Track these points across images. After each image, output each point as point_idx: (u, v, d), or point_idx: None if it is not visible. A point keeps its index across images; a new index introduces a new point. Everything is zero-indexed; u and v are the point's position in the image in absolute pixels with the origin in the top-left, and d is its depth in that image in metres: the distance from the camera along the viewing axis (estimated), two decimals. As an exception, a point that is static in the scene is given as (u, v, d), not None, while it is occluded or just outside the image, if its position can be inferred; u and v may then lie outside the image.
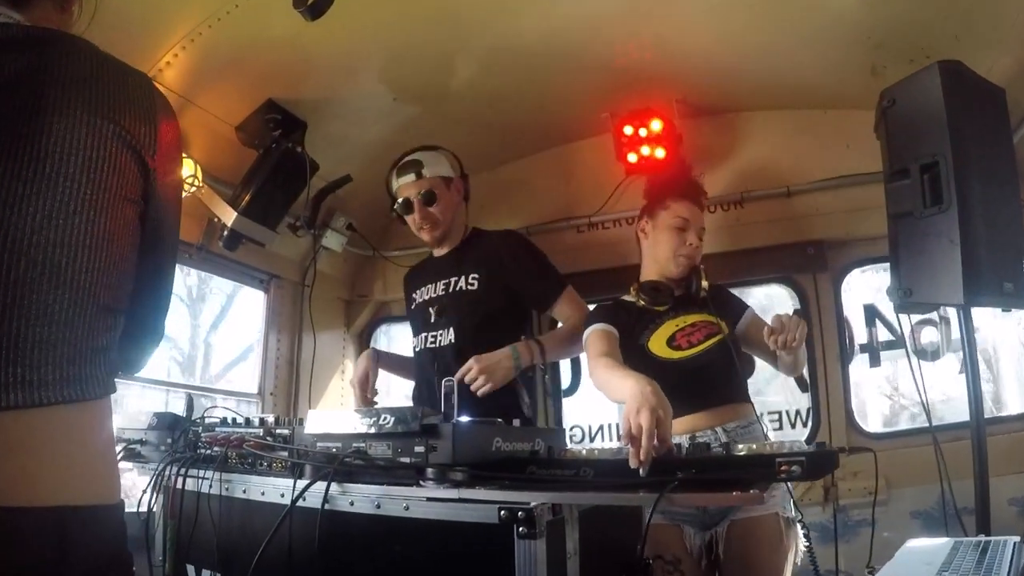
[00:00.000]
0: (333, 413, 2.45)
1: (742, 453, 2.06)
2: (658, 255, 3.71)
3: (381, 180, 3.95)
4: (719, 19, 3.99)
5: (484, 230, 4.14)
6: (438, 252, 4.09)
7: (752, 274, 4.88)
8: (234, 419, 3.06)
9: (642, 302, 3.62)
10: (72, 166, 1.68)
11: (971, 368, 3.24)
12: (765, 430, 3.53)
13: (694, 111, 4.79)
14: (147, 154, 1.83)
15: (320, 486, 2.24)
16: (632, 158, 4.72)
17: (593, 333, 3.49)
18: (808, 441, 4.12)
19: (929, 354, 4.19)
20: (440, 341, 3.86)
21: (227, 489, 2.67)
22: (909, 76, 3.20)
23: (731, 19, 3.97)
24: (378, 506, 2.16)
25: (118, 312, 1.83)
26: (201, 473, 2.75)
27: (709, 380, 3.38)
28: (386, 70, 4.26)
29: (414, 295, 4.12)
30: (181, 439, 3.02)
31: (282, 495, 2.40)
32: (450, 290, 3.92)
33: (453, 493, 2.02)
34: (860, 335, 4.61)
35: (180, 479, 2.80)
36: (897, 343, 4.42)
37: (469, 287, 3.86)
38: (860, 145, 4.22)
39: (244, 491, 2.61)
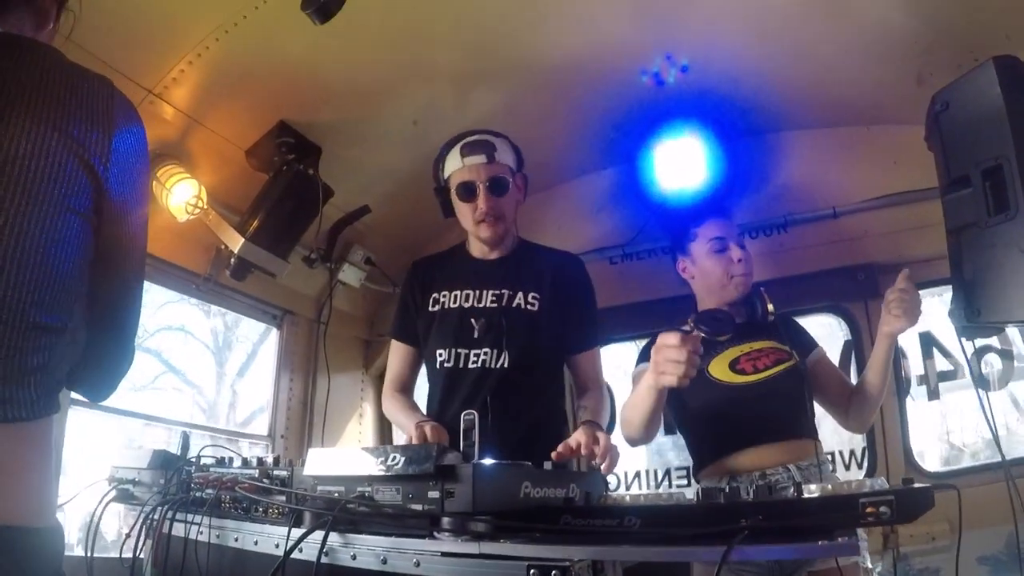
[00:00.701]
0: (336, 452, 2.18)
1: (816, 494, 1.73)
2: (711, 286, 3.48)
3: (401, 212, 3.73)
4: (755, 37, 3.82)
5: (537, 244, 3.70)
6: (482, 253, 3.57)
7: (799, 303, 4.49)
8: (230, 459, 2.81)
9: (701, 334, 3.30)
10: (5, 176, 1.63)
11: None
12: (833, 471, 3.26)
13: (731, 132, 4.51)
14: (98, 163, 1.77)
15: (318, 536, 1.94)
16: (668, 183, 4.41)
17: (643, 371, 3.07)
18: None
19: (993, 383, 4.00)
20: (487, 362, 3.35)
21: (218, 536, 2.44)
22: (961, 76, 2.93)
23: (767, 37, 3.81)
24: (384, 561, 1.88)
25: (56, 331, 1.73)
26: (191, 517, 2.51)
27: (778, 410, 3.13)
28: (406, 91, 4.03)
29: (438, 295, 3.55)
30: (173, 479, 2.79)
31: (276, 545, 2.14)
32: (502, 304, 3.42)
33: (473, 547, 1.74)
34: (916, 366, 4.36)
35: (168, 523, 2.56)
36: (954, 374, 4.23)
37: (529, 307, 3.40)
38: (908, 161, 4.08)
39: (236, 539, 2.38)
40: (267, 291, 4.49)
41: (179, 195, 3.68)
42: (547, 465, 2.11)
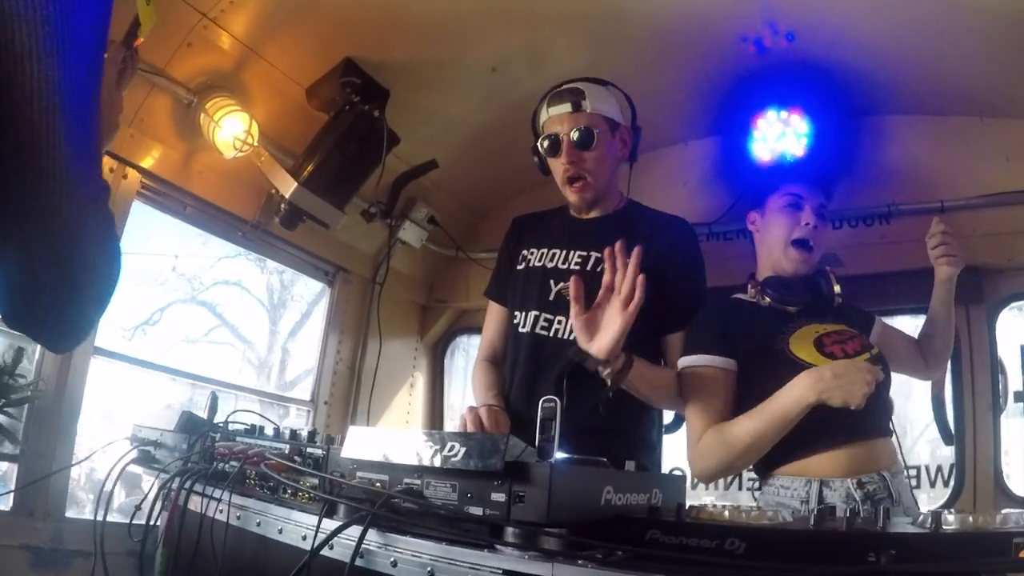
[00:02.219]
0: (381, 432, 1.82)
1: (957, 528, 1.40)
2: (771, 246, 3.08)
3: (471, 169, 3.39)
4: (868, 9, 3.52)
5: (645, 206, 3.27)
6: (578, 212, 3.21)
7: (894, 302, 4.14)
8: (261, 428, 2.51)
9: (767, 299, 2.97)
10: None
11: None
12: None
13: (836, 110, 4.17)
14: None
15: (353, 531, 1.61)
16: (764, 159, 4.11)
17: (696, 369, 2.81)
18: (949, 504, 3.83)
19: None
20: (559, 332, 3.00)
21: (239, 518, 2.14)
22: None
23: (881, 10, 3.51)
24: (431, 572, 1.53)
25: None
26: (211, 491, 2.23)
27: (871, 404, 2.61)
28: (485, 34, 3.71)
29: (527, 252, 3.24)
30: (197, 446, 2.53)
31: (304, 537, 1.84)
32: (587, 268, 3.01)
33: (544, 568, 1.38)
34: (1014, 381, 3.88)
35: (185, 496, 2.30)
36: None
37: None
38: (1021, 159, 3.86)
39: (259, 523, 2.07)
40: (320, 244, 4.25)
41: (228, 129, 3.43)
42: (629, 466, 1.82)
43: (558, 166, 3.01)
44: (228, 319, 5.37)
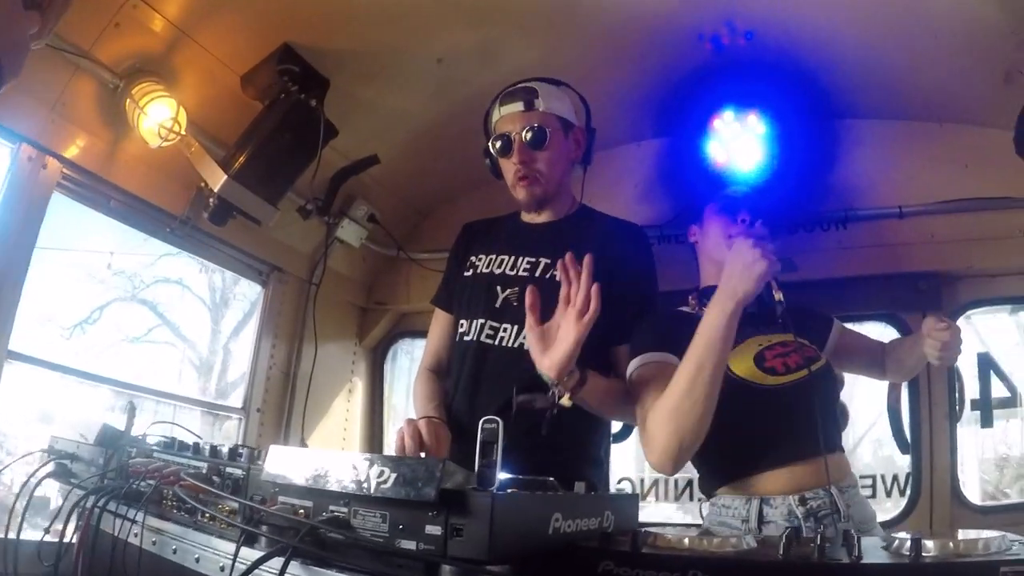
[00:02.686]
0: (304, 453, 1.64)
1: (936, 556, 1.29)
2: (710, 250, 3.08)
3: (415, 166, 3.28)
4: (829, 11, 3.50)
5: (597, 212, 3.21)
6: (530, 217, 3.15)
7: (851, 308, 4.11)
8: (179, 442, 2.33)
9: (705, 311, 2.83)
10: None
11: None
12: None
13: (794, 113, 4.10)
14: None
15: (276, 563, 1.42)
16: (718, 161, 4.01)
17: (643, 368, 2.66)
18: (905, 515, 3.91)
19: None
20: (504, 340, 2.91)
21: (154, 543, 1.95)
22: None
23: (842, 13, 3.49)
24: (359, 611, 1.35)
25: None
26: (127, 512, 2.05)
27: (817, 419, 2.53)
28: (434, 23, 3.55)
29: (475, 258, 3.15)
30: (114, 461, 2.36)
31: (222, 568, 1.67)
32: (536, 275, 2.94)
33: (484, 610, 1.23)
34: (971, 389, 4.01)
35: (98, 516, 2.10)
36: (1012, 401, 3.97)
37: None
38: (980, 166, 3.86)
39: (175, 550, 1.88)
40: (253, 242, 4.04)
41: (153, 116, 3.23)
42: (578, 487, 1.75)
43: (509, 166, 2.94)
44: (169, 318, 5.22)
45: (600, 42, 3.71)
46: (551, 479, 1.63)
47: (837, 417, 2.85)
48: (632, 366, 2.69)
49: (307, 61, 3.51)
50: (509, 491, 1.44)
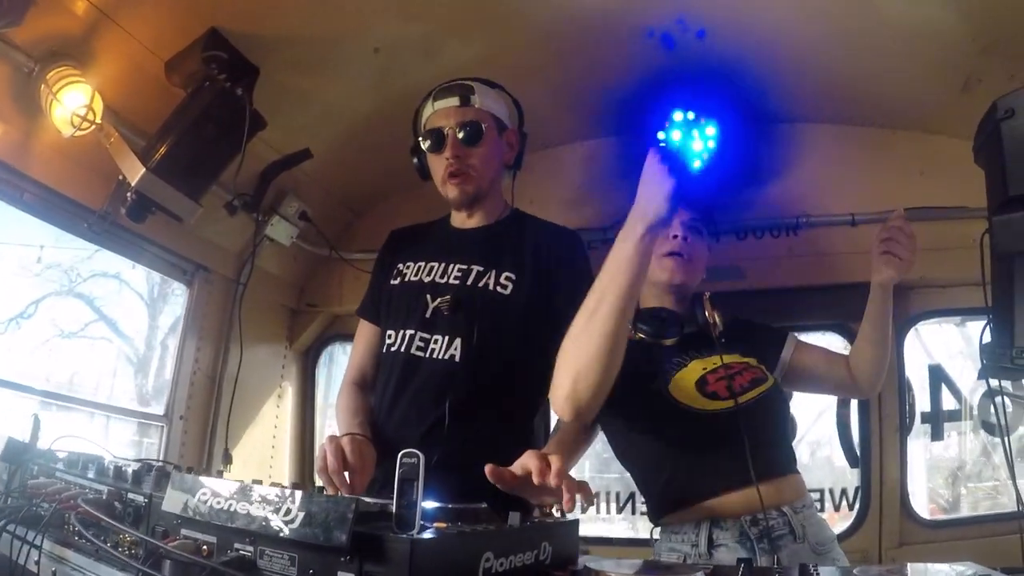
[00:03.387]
0: (209, 484, 1.46)
1: None
2: (649, 270, 2.79)
3: (349, 161, 3.18)
4: (786, 11, 3.43)
5: (530, 216, 3.09)
6: (460, 222, 3.04)
7: (802, 317, 4.18)
8: (85, 459, 2.13)
9: (639, 335, 2.78)
10: None
11: None
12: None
13: (746, 115, 4.08)
14: None
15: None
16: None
17: None
18: (853, 530, 3.90)
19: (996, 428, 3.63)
20: (436, 352, 2.76)
21: (54, 573, 1.79)
22: None
23: (800, 14, 3.43)
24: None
25: None
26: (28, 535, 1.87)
27: (765, 442, 2.57)
28: (374, 10, 3.40)
29: (402, 266, 3.02)
30: (16, 478, 2.23)
31: None
32: (469, 283, 2.83)
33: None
34: (922, 402, 4.05)
35: None
36: (959, 414, 4.05)
37: (499, 289, 2.79)
38: (935, 174, 3.90)
39: None
40: (177, 239, 3.84)
41: (67, 103, 3.01)
42: (513, 519, 1.58)
43: (440, 163, 2.83)
44: (106, 313, 5.03)
45: (546, 38, 3.61)
46: (483, 506, 1.59)
47: (788, 437, 2.79)
48: None
49: (236, 48, 3.33)
50: (431, 533, 1.30)
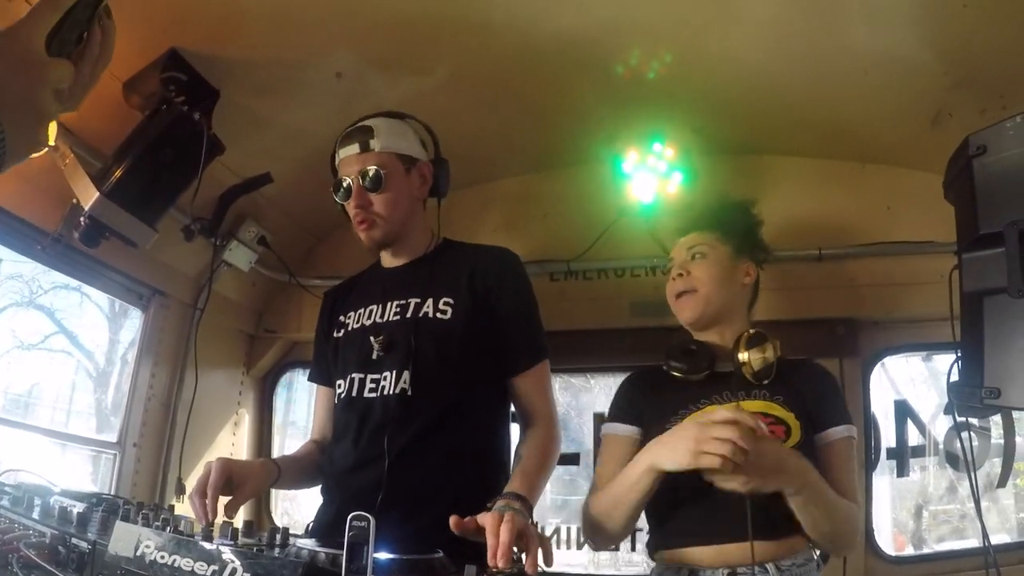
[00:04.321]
0: (156, 533, 1.38)
1: None
2: None
3: (310, 186, 3.19)
4: (752, 44, 3.38)
5: (460, 242, 3.07)
6: (389, 262, 3.01)
7: None
8: (29, 499, 2.00)
9: (674, 371, 2.81)
10: None
11: None
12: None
13: (712, 146, 4.08)
14: None
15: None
16: (634, 191, 4.00)
17: (607, 440, 2.84)
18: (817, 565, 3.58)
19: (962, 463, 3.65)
20: (386, 388, 2.70)
21: None
22: (1007, 119, 2.49)
23: (770, 45, 3.38)
24: None
25: None
26: None
27: (766, 502, 2.38)
28: (335, 34, 3.32)
29: (344, 318, 2.99)
30: None
31: None
32: (407, 315, 2.80)
33: None
34: (888, 438, 4.02)
35: None
36: (924, 450, 4.03)
37: (438, 315, 2.75)
38: (903, 209, 3.89)
39: None
40: (133, 263, 3.73)
41: (19, 123, 2.86)
42: (469, 572, 1.50)
43: (350, 209, 2.82)
44: (67, 326, 5.10)
45: (512, 63, 3.54)
46: (439, 555, 1.44)
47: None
48: (604, 429, 2.88)
49: (196, 69, 3.26)
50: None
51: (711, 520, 2.44)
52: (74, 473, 3.86)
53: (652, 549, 2.75)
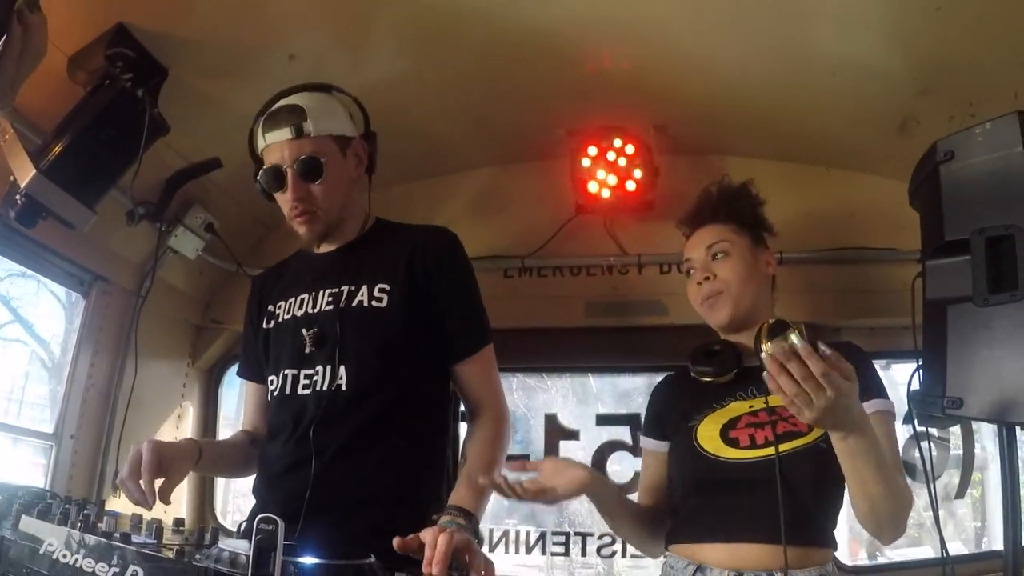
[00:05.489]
0: (61, 531, 1.31)
1: None
2: None
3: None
4: (718, 43, 3.37)
5: (395, 223, 2.90)
6: (320, 247, 2.82)
7: None
8: None
9: (702, 377, 2.77)
10: None
11: (1012, 492, 2.55)
12: None
13: (673, 145, 4.03)
14: None
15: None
16: (592, 187, 3.95)
17: (645, 452, 2.96)
18: None
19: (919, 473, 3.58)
20: (320, 384, 2.54)
21: None
22: (975, 127, 2.57)
23: (736, 41, 3.35)
24: None
25: None
26: None
27: (772, 504, 2.36)
28: (287, 13, 3.21)
29: (273, 307, 2.80)
30: None
31: None
32: (340, 304, 2.62)
33: None
34: None
35: None
36: None
37: (374, 303, 2.59)
38: (865, 215, 3.91)
39: None
40: (74, 247, 3.59)
41: (-42, 97, 2.78)
42: None
43: (284, 200, 2.63)
44: (23, 314, 4.91)
45: (477, 55, 3.49)
46: (369, 561, 1.45)
47: (818, 505, 2.46)
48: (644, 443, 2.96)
49: (144, 46, 3.13)
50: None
51: (723, 517, 2.42)
52: (24, 466, 3.77)
53: (668, 541, 2.70)
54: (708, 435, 2.60)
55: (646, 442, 2.90)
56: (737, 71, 3.47)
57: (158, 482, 2.20)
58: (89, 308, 3.89)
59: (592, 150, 3.90)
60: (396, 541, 1.90)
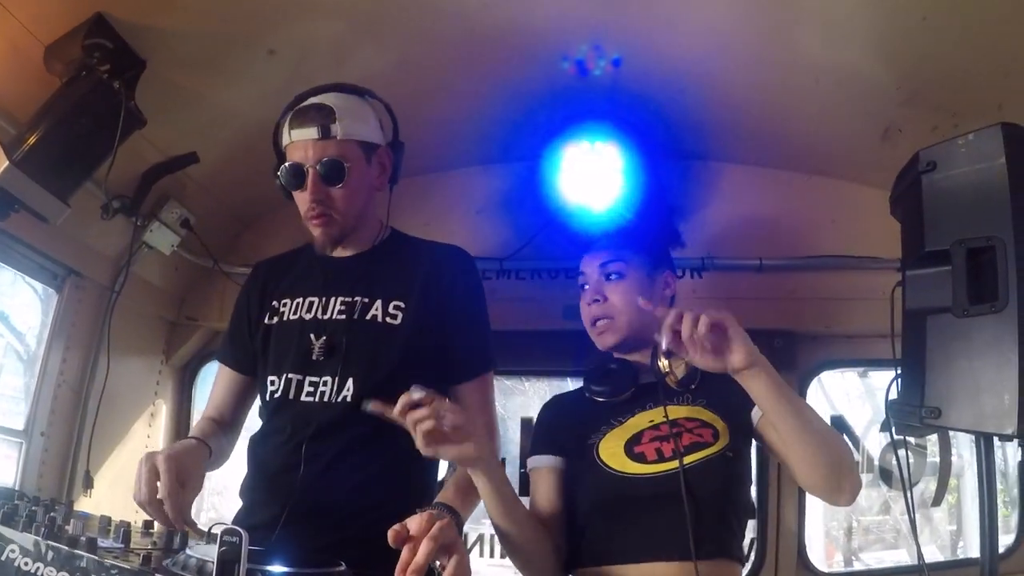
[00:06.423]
0: (23, 537, 1.26)
1: None
2: None
3: (239, 169, 3.09)
4: (706, 48, 3.36)
5: (412, 237, 2.90)
6: (329, 251, 2.75)
7: None
8: None
9: (597, 397, 2.70)
10: None
11: (988, 499, 2.54)
12: None
13: (654, 149, 3.91)
14: None
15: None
16: (571, 194, 3.85)
17: (534, 473, 2.68)
18: None
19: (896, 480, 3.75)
20: (327, 394, 2.53)
21: None
22: (957, 137, 2.54)
23: (721, 50, 3.37)
24: None
25: None
26: None
27: (682, 517, 2.28)
28: (271, 8, 3.17)
29: (277, 303, 2.77)
30: None
31: None
32: (355, 316, 2.61)
33: None
34: None
35: None
36: (858, 466, 3.74)
37: (388, 320, 2.59)
38: (847, 223, 3.90)
39: None
40: (47, 240, 3.53)
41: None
42: None
43: (302, 199, 2.58)
44: None
45: (460, 54, 3.46)
46: (340, 569, 1.41)
47: (728, 517, 2.41)
48: (530, 462, 2.70)
49: (123, 37, 3.08)
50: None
51: (634, 539, 2.34)
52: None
53: (573, 566, 2.56)
54: (611, 452, 2.51)
55: (538, 460, 2.66)
56: (720, 77, 3.47)
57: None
58: (62, 303, 3.83)
59: (572, 153, 3.80)
60: (391, 533, 1.85)
